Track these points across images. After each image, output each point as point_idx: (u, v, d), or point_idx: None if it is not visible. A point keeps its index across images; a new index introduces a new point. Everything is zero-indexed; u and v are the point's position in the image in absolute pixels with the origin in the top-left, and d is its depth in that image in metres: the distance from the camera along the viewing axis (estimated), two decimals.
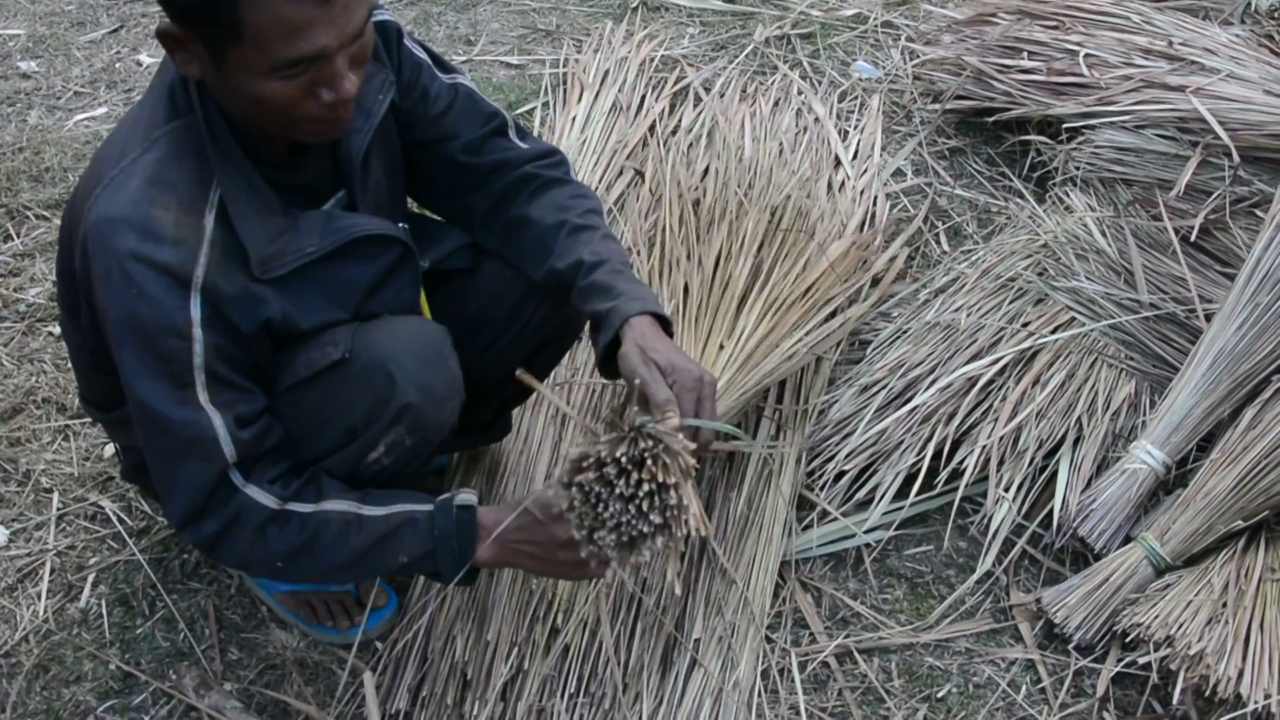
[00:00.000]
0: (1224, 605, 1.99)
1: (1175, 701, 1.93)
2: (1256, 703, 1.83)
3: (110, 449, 2.43)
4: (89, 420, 2.49)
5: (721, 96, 3.38)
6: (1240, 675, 1.86)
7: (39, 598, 2.19)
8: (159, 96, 1.61)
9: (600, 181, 3.02)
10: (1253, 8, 3.25)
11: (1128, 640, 2.08)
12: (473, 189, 1.92)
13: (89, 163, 1.67)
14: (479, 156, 1.90)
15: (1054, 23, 3.19)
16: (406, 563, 1.69)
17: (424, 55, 1.87)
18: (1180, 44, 2.99)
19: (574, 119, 3.25)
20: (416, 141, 1.88)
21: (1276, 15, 3.17)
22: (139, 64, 3.72)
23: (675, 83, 3.44)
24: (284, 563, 1.67)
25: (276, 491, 1.64)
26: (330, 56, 1.47)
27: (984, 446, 2.33)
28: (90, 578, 2.23)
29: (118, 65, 3.71)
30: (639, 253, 2.72)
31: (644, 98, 3.35)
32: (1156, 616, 2.00)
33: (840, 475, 2.36)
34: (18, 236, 2.97)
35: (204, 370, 1.56)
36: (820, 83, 3.55)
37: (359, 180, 1.76)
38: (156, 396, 1.56)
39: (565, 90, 3.47)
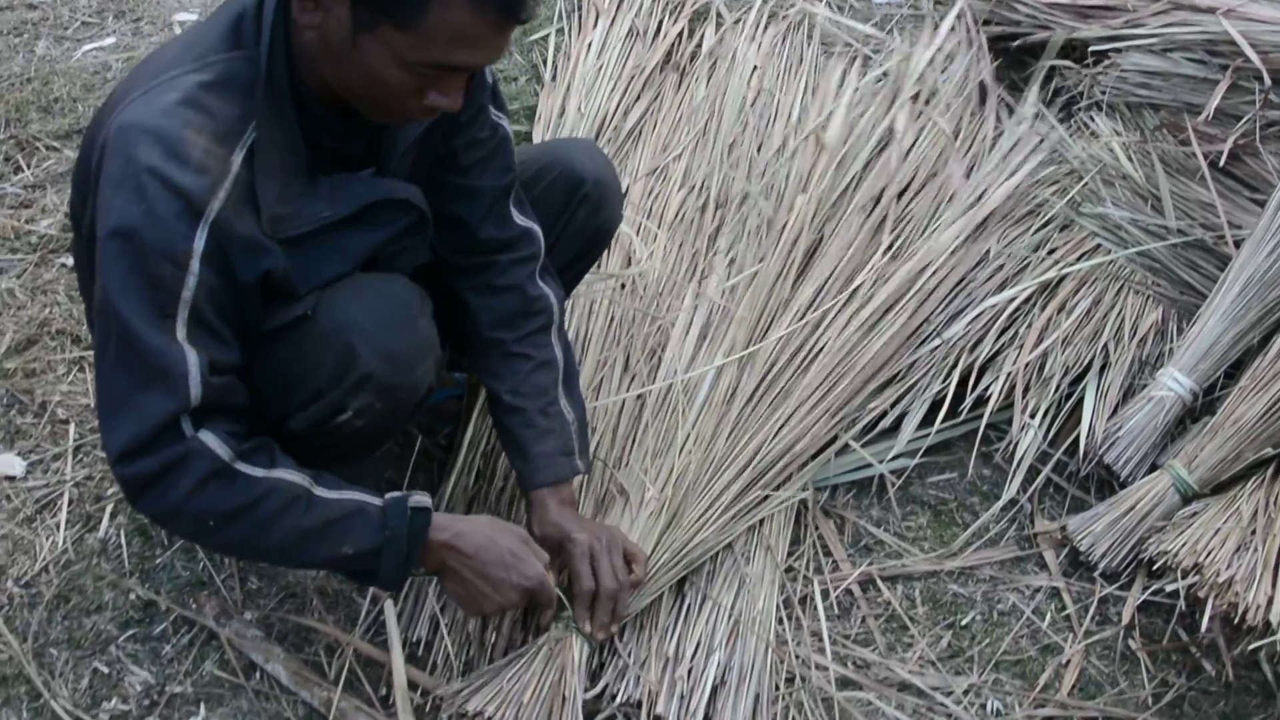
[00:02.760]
0: (1253, 532, 1.97)
1: (1203, 629, 1.91)
2: None
3: None
4: None
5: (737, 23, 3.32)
6: (1270, 602, 1.84)
7: (58, 528, 2.18)
8: (223, 23, 1.56)
9: (617, 109, 2.98)
10: None
11: (1154, 568, 2.06)
12: (452, 228, 1.91)
13: (131, 70, 1.62)
14: (475, 212, 1.91)
15: None
16: (349, 554, 1.63)
17: (489, 79, 1.86)
18: None
19: (589, 45, 3.19)
20: (444, 156, 1.85)
21: None
22: None
23: (693, 4, 3.37)
24: (218, 522, 1.56)
25: (231, 445, 1.56)
26: (467, 72, 1.52)
27: (1009, 373, 2.31)
28: (108, 508, 2.22)
29: None
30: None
31: (661, 23, 3.28)
32: (1184, 544, 1.98)
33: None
34: (28, 168, 2.94)
35: (189, 306, 1.49)
36: (844, 10, 3.48)
37: (393, 164, 1.74)
38: (136, 317, 1.47)
39: (581, 16, 3.40)
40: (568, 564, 1.88)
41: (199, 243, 1.48)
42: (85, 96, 3.13)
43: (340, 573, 1.81)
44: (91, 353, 2.43)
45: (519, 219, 1.95)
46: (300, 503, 1.58)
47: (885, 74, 2.98)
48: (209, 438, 1.52)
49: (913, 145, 2.79)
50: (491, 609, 1.77)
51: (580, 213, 2.09)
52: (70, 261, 2.68)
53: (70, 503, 2.22)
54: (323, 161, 1.64)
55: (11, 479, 2.26)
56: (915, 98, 2.91)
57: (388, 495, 1.67)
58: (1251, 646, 1.86)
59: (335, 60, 1.51)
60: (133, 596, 2.08)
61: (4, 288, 2.61)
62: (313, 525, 1.59)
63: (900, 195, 2.66)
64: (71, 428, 2.34)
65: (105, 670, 1.99)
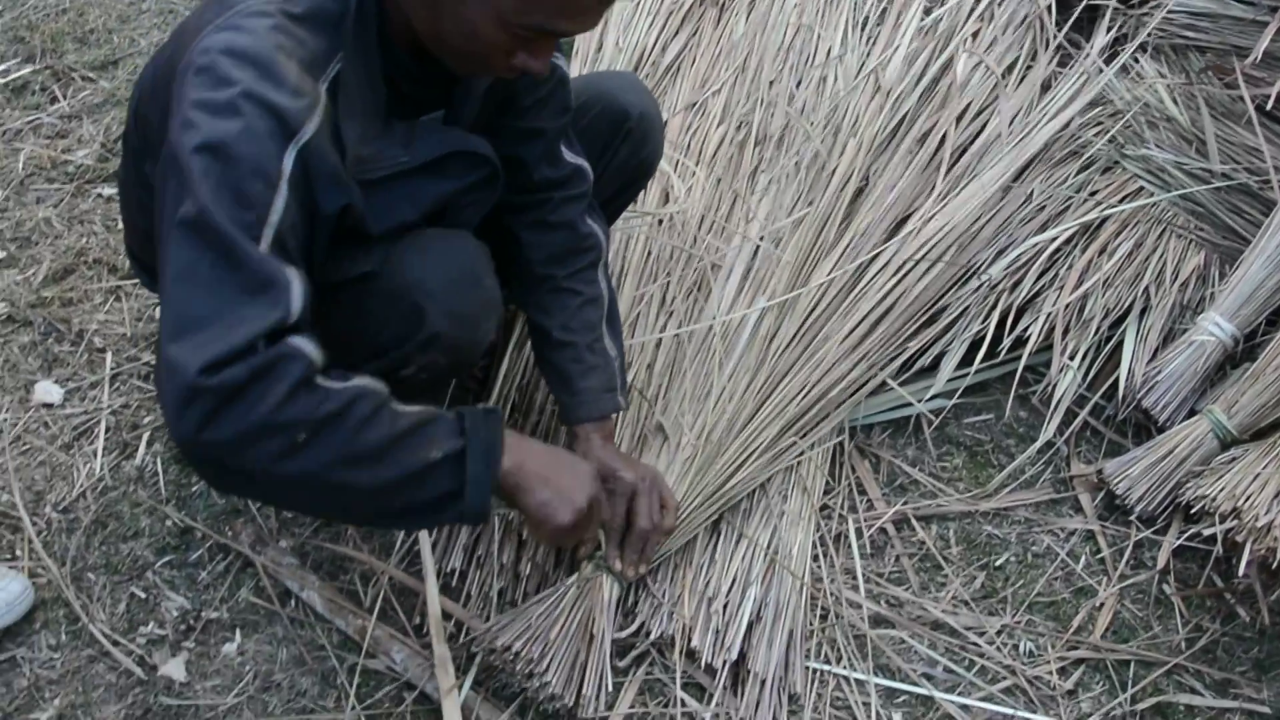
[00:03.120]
0: None
1: (1240, 574, 1.90)
2: None
3: None
4: (139, 281, 2.48)
5: None
6: None
7: (95, 455, 2.20)
8: None
9: (655, 44, 2.95)
10: None
11: (1191, 513, 2.04)
12: (510, 168, 1.86)
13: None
14: (533, 153, 1.89)
15: None
16: (435, 460, 1.49)
17: None
18: None
19: None
20: (505, 100, 1.82)
21: None
22: None
23: None
24: (309, 434, 1.37)
25: (321, 353, 1.42)
26: (561, 37, 1.51)
27: (1049, 314, 2.29)
28: (145, 436, 2.23)
29: None
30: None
31: None
32: (1223, 488, 1.96)
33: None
34: (64, 98, 2.93)
35: (275, 230, 1.39)
36: None
37: (465, 109, 1.72)
38: (234, 228, 1.35)
39: None
40: (608, 500, 1.87)
41: (288, 164, 1.41)
42: (120, 28, 3.13)
43: (425, 507, 1.53)
44: (128, 283, 2.45)
45: (569, 157, 1.94)
46: (386, 410, 1.44)
47: (941, 15, 2.93)
48: (303, 342, 1.37)
49: (965, 87, 2.75)
50: (568, 515, 1.65)
51: (624, 148, 2.08)
52: (107, 191, 2.68)
53: (107, 430, 2.24)
54: (395, 103, 1.62)
55: (49, 406, 2.28)
56: (972, 37, 2.87)
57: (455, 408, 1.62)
58: None
59: (432, 9, 1.49)
60: (169, 523, 2.10)
61: (41, 217, 2.61)
62: (403, 428, 1.45)
63: (944, 138, 2.63)
64: (108, 356, 2.35)
65: (142, 595, 2.00)
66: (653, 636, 1.92)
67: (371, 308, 1.64)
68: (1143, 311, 2.33)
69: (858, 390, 2.25)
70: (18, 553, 2.05)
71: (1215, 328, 2.22)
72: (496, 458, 1.54)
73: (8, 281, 2.48)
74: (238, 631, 1.96)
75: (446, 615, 1.92)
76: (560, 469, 1.67)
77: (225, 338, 1.30)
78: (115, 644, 1.93)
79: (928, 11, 2.96)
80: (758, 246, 2.39)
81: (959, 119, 2.65)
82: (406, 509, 1.50)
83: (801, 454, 2.16)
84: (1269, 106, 2.54)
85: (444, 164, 1.69)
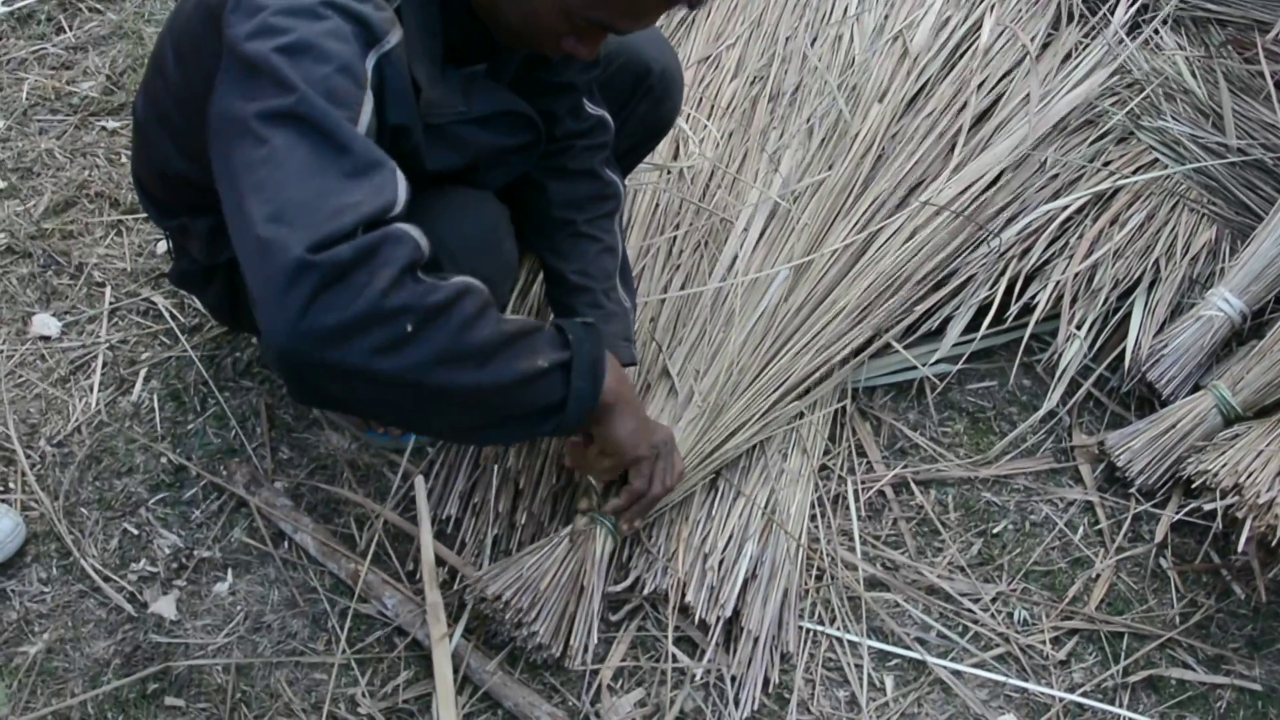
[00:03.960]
0: None
1: (1239, 550, 1.89)
2: None
3: (163, 246, 2.40)
4: (142, 216, 2.45)
5: None
6: None
7: (91, 390, 2.18)
8: None
9: None
10: None
11: (1191, 487, 2.03)
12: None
13: None
14: (560, 106, 1.87)
15: None
16: (544, 368, 1.43)
17: None
18: None
19: None
20: (538, 55, 1.77)
21: None
22: None
23: None
24: (415, 324, 1.27)
25: (425, 241, 1.34)
26: (611, 32, 1.51)
27: (1058, 283, 2.27)
28: (142, 373, 2.21)
29: None
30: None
31: None
32: (1225, 464, 1.95)
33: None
34: (69, 29, 2.90)
35: (364, 130, 1.34)
36: None
37: (509, 66, 1.71)
38: (331, 113, 1.28)
39: None
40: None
41: (370, 70, 1.37)
42: None
43: (528, 415, 1.47)
44: (129, 217, 2.42)
45: (591, 108, 1.93)
46: (492, 311, 1.37)
47: None
48: (410, 228, 1.30)
49: (986, 52, 2.72)
50: (644, 451, 1.76)
51: (644, 104, 2.06)
52: (111, 124, 2.65)
53: (104, 365, 2.22)
54: (445, 50, 1.60)
55: (46, 339, 2.26)
56: (999, 2, 2.84)
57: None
58: None
59: None
60: (164, 461, 2.08)
61: (43, 148, 2.59)
62: (509, 331, 1.38)
63: (966, 105, 2.60)
64: (108, 291, 2.33)
65: (134, 532, 2.00)
66: (646, 590, 1.91)
67: None
68: (1151, 284, 2.31)
69: (862, 351, 2.23)
70: (10, 485, 2.03)
71: (1224, 303, 2.20)
72: (601, 374, 1.52)
73: (8, 212, 2.46)
74: (229, 571, 1.95)
75: (440, 562, 1.91)
76: (640, 404, 1.73)
77: (334, 219, 1.22)
78: (106, 580, 1.92)
79: None
80: (775, 207, 2.36)
81: (979, 86, 2.62)
82: (507, 417, 1.46)
83: (802, 414, 2.15)
84: None
85: (496, 120, 1.68)
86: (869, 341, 2.25)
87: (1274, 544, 1.84)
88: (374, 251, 1.23)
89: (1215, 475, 1.94)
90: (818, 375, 2.18)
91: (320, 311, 1.20)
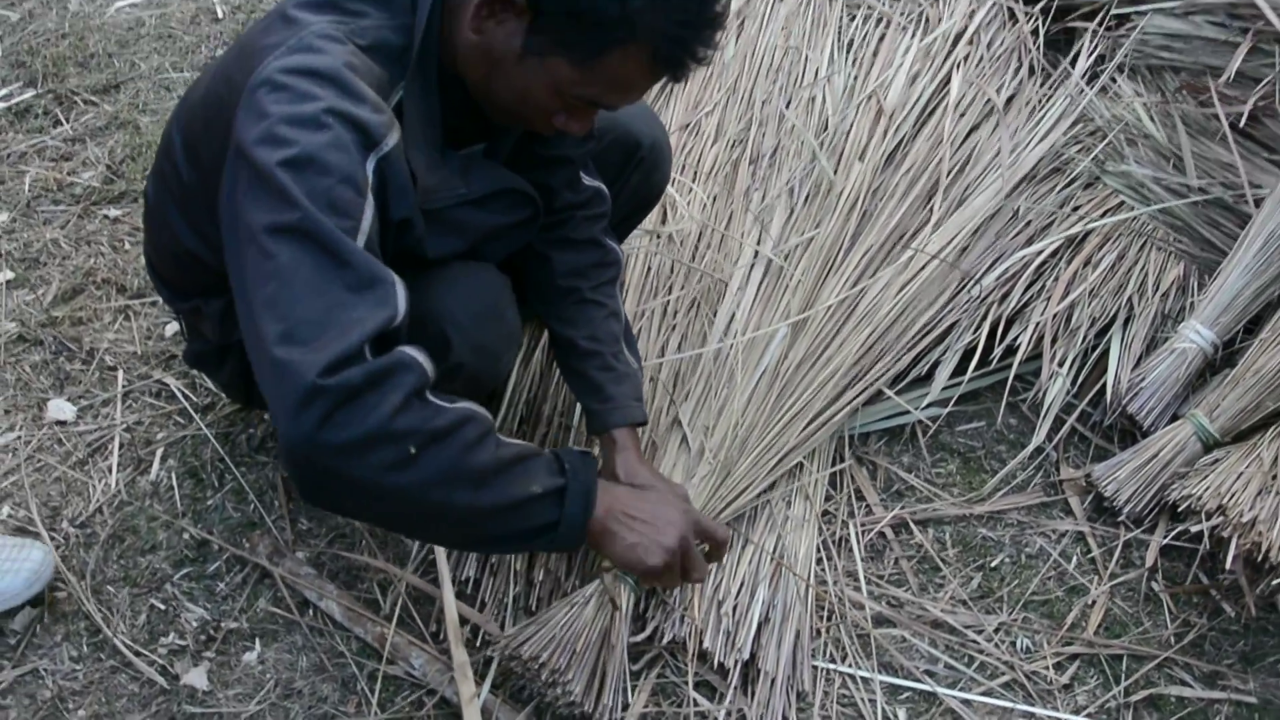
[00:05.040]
0: (1274, 477, 2.03)
1: (1226, 568, 1.98)
2: None
3: (172, 328, 2.47)
4: (149, 300, 2.53)
5: None
6: None
7: (110, 471, 2.24)
8: None
9: None
10: None
11: (1177, 512, 2.12)
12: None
13: (258, 21, 1.62)
14: (557, 179, 1.96)
15: None
16: (536, 494, 1.50)
17: None
18: None
19: None
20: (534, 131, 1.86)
21: None
22: None
23: None
24: (419, 446, 1.37)
25: (431, 365, 1.44)
26: (601, 109, 1.63)
27: (1038, 324, 2.37)
28: (159, 452, 2.28)
29: None
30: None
31: None
32: (1208, 487, 2.05)
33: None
34: (67, 121, 2.98)
35: (366, 236, 1.43)
36: None
37: (505, 145, 1.81)
38: (331, 229, 1.37)
39: None
40: None
41: (370, 174, 1.46)
42: (120, 52, 3.18)
43: (519, 534, 1.55)
44: (136, 302, 2.49)
45: (588, 180, 2.02)
46: (492, 437, 1.47)
47: (935, 38, 3.02)
48: (416, 352, 1.40)
49: (957, 107, 2.85)
50: (659, 557, 1.67)
51: (635, 175, 2.16)
52: (113, 213, 2.73)
53: (121, 447, 2.28)
54: (444, 135, 1.69)
55: (62, 424, 2.32)
56: (964, 60, 2.97)
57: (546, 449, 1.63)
58: (1275, 583, 1.92)
59: (489, 66, 1.57)
60: (186, 536, 2.14)
61: (49, 238, 2.66)
62: (507, 457, 1.47)
63: (941, 160, 2.72)
64: (119, 374, 2.40)
65: (161, 607, 2.05)
66: (665, 640, 1.98)
67: None
68: (1126, 321, 2.42)
69: (856, 399, 2.32)
70: None
71: (1196, 335, 2.31)
72: (593, 501, 1.58)
73: (18, 302, 2.53)
74: (257, 641, 2.01)
75: (463, 621, 1.97)
76: (649, 512, 1.70)
77: (341, 339, 1.31)
78: (137, 654, 1.97)
79: (913, 35, 3.06)
80: (768, 265, 2.46)
81: (954, 143, 2.75)
82: (501, 536, 1.54)
83: (802, 464, 2.23)
84: (1242, 124, 2.64)
85: (494, 199, 1.78)
86: (863, 390, 2.34)
87: (1259, 560, 1.93)
88: (385, 376, 1.33)
89: (1199, 499, 2.04)
90: (818, 425, 2.27)
91: (333, 430, 1.30)
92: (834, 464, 2.29)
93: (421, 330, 1.67)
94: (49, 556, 2.03)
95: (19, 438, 2.29)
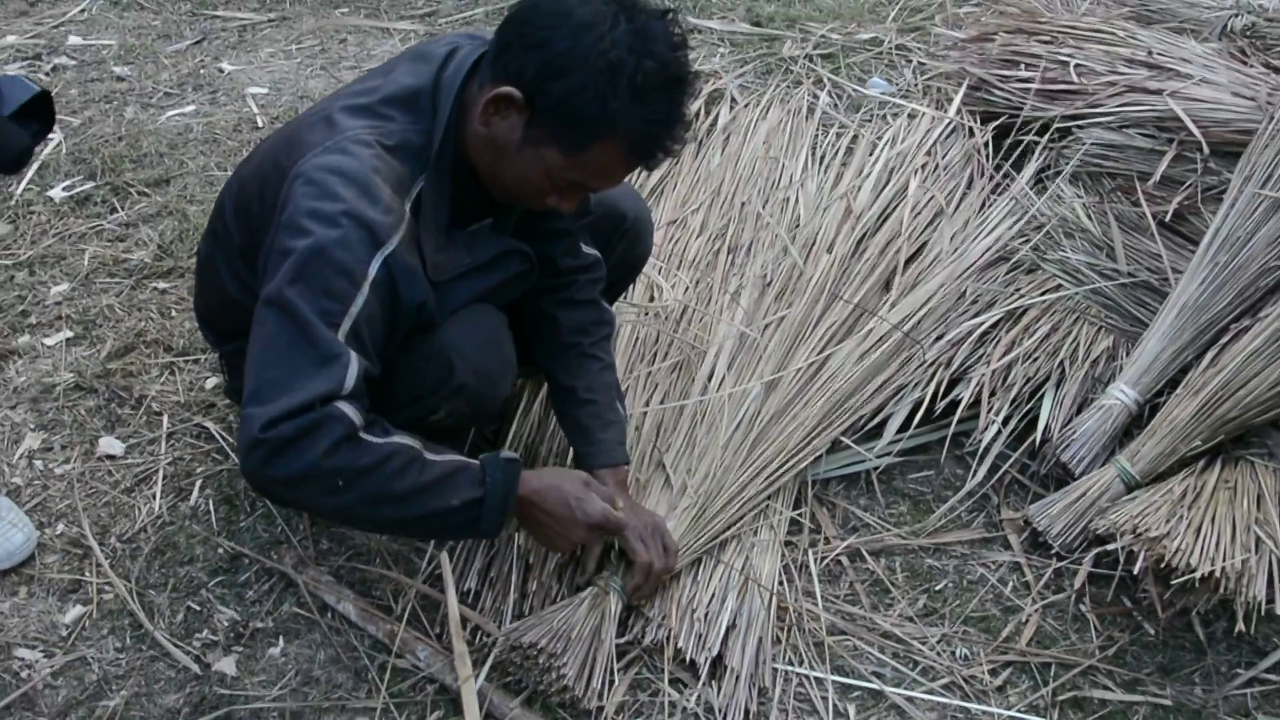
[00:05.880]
0: (1182, 505, 2.31)
1: (1138, 570, 2.23)
2: (1205, 570, 2.15)
3: (212, 381, 2.78)
4: (193, 358, 2.84)
5: (747, 106, 3.76)
6: (1190, 550, 2.18)
7: (154, 498, 2.52)
8: (403, 92, 1.94)
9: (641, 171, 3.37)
10: (1229, 29, 3.62)
11: (1101, 541, 2.38)
12: (541, 262, 2.26)
13: (307, 113, 2.02)
14: (559, 248, 2.30)
15: (1048, 38, 3.56)
16: (455, 506, 1.85)
17: None
18: (1159, 54, 3.35)
19: None
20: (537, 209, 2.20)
21: (1248, 33, 3.53)
22: (221, 70, 4.13)
23: (709, 86, 3.82)
24: (347, 481, 1.74)
25: (362, 416, 1.77)
26: (588, 190, 1.99)
27: (978, 382, 2.67)
28: (198, 483, 2.56)
29: (202, 71, 4.11)
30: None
31: None
32: (1125, 515, 2.32)
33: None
34: (122, 209, 3.34)
35: (353, 321, 1.77)
36: (840, 97, 3.92)
37: (510, 220, 2.15)
38: (315, 315, 1.73)
39: None
40: (625, 540, 2.20)
41: (374, 269, 1.80)
42: (171, 152, 3.56)
43: (445, 530, 2.08)
44: (181, 359, 2.80)
45: (587, 249, 2.37)
46: (416, 463, 1.81)
47: (899, 148, 3.39)
48: (346, 407, 1.73)
49: (915, 208, 3.20)
50: (565, 545, 2.14)
51: (621, 245, 2.50)
52: (163, 285, 3.06)
53: (164, 478, 2.57)
54: (455, 215, 2.03)
55: (112, 458, 2.61)
56: (922, 168, 3.33)
57: (480, 455, 1.97)
58: (1174, 582, 2.18)
59: (494, 153, 1.92)
60: (221, 551, 2.41)
61: (105, 304, 2.99)
62: (428, 480, 1.81)
63: (900, 250, 3.06)
64: (165, 419, 2.70)
65: (197, 608, 2.31)
66: (645, 641, 2.23)
67: (411, 362, 2.03)
68: (1059, 382, 2.71)
69: (819, 447, 2.61)
70: (86, 574, 2.35)
71: (1121, 394, 2.60)
72: (508, 505, 1.94)
73: (75, 356, 2.84)
74: (281, 638, 2.26)
75: (464, 621, 2.23)
76: (563, 504, 2.07)
77: (287, 400, 1.69)
78: (175, 646, 2.23)
79: (876, 146, 3.43)
80: (744, 338, 2.77)
81: (910, 237, 3.09)
82: (431, 533, 2.21)
83: (769, 501, 2.51)
84: (1167, 219, 2.98)
85: (496, 260, 2.11)
86: (825, 440, 2.63)
87: (1164, 570, 2.19)
88: (313, 429, 1.70)
89: (1118, 524, 2.30)
90: (783, 470, 2.55)
91: (272, 470, 1.71)
92: (797, 506, 2.56)
93: (430, 359, 2.03)
94: (30, 544, 2.36)
95: (73, 469, 2.57)
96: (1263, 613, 2.19)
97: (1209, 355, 2.55)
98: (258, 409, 1.70)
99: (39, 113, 2.06)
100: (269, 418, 1.68)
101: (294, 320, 1.74)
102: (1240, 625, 2.17)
